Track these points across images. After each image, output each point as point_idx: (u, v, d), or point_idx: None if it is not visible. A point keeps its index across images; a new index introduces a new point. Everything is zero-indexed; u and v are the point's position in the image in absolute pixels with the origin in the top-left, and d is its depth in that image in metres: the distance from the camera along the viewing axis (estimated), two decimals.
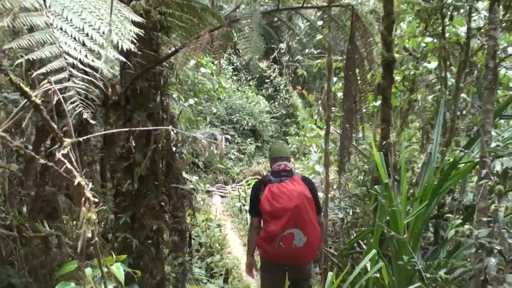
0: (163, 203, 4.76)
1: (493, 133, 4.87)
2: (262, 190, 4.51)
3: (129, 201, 4.57)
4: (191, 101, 11.54)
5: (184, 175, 6.14)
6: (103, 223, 6.69)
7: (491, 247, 3.63)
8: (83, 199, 1.26)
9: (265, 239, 4.48)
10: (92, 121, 1.75)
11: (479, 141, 4.77)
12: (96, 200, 1.31)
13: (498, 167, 4.35)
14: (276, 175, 4.57)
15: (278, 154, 4.78)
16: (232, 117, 20.82)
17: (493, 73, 4.16)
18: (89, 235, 1.33)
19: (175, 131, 2.09)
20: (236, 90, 22.49)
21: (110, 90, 4.66)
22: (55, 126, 1.38)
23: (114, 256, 2.12)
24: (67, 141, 1.26)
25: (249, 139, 20.79)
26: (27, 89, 1.23)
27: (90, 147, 6.79)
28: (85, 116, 1.64)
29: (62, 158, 1.21)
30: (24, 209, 5.46)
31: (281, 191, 4.39)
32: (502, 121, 7.37)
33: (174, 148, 4.83)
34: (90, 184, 1.30)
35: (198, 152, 15.81)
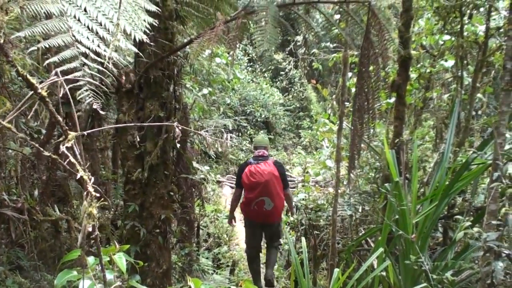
0: (172, 193, 4.78)
1: (507, 135, 4.81)
2: (244, 169, 6.27)
3: (139, 189, 4.59)
4: (205, 91, 11.51)
5: (195, 164, 6.15)
6: (112, 209, 6.73)
7: (500, 251, 3.60)
8: (84, 193, 1.26)
9: (245, 204, 6.36)
10: (102, 112, 1.74)
11: (493, 143, 4.71)
12: (98, 194, 1.31)
13: (510, 170, 4.30)
14: (255, 159, 6.36)
15: (258, 144, 6.60)
16: (246, 108, 20.74)
17: (510, 74, 4.10)
18: (90, 229, 1.33)
19: (180, 128, 2.07)
20: (251, 81, 22.35)
21: (123, 77, 4.66)
22: (60, 119, 1.38)
23: (117, 245, 2.13)
24: (72, 134, 1.26)
25: (261, 131, 20.71)
26: (33, 81, 1.23)
27: (102, 133, 6.81)
28: (95, 106, 1.63)
29: (66, 151, 1.20)
30: (36, 192, 5.50)
31: (256, 170, 6.14)
32: None
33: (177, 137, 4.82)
34: (93, 178, 1.30)
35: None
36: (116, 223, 5.92)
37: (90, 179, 1.29)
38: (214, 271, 7.91)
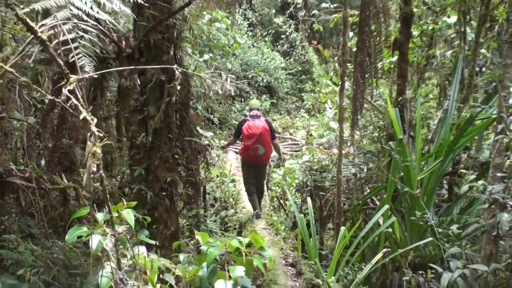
0: (177, 156, 4.79)
1: None
2: (243, 124, 8.17)
3: (143, 153, 4.61)
4: (206, 57, 11.42)
5: (199, 130, 6.14)
6: (119, 177, 6.77)
7: (505, 202, 3.62)
8: (88, 133, 1.26)
9: (244, 149, 8.24)
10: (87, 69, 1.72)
11: (497, 96, 4.69)
12: (101, 134, 1.31)
13: None
14: (251, 117, 8.24)
15: (252, 106, 8.62)
16: (247, 73, 20.56)
17: None
18: (94, 169, 1.33)
19: (179, 70, 2.06)
20: (252, 46, 22.13)
21: (123, 42, 4.62)
22: (61, 62, 1.37)
23: (125, 202, 2.15)
24: (73, 77, 1.25)
25: (264, 96, 20.58)
26: (33, 24, 1.22)
27: (105, 102, 6.79)
28: (87, 69, 1.62)
29: (68, 94, 1.20)
30: (42, 162, 5.51)
31: (253, 125, 8.07)
32: None
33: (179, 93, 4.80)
34: (95, 119, 1.29)
35: (213, 109, 15.82)
36: (124, 190, 5.95)
37: (93, 120, 1.29)
38: (222, 233, 8.00)
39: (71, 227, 2.19)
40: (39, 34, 1.24)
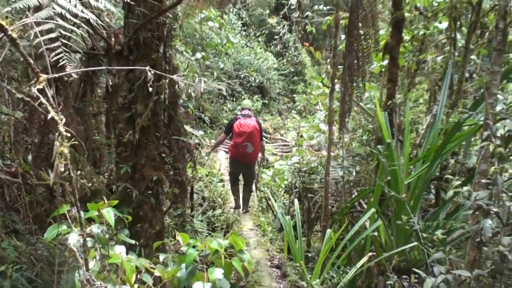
0: (163, 155, 4.77)
1: (499, 96, 4.81)
2: (234, 122, 8.34)
3: (130, 151, 4.58)
4: (199, 55, 11.42)
5: (189, 129, 6.12)
6: (107, 174, 6.74)
7: (488, 209, 3.63)
8: (56, 133, 1.25)
9: (233, 146, 8.42)
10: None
11: (485, 103, 4.71)
12: (69, 134, 1.30)
13: (501, 130, 4.31)
14: (242, 116, 8.41)
15: (244, 106, 8.80)
16: (240, 73, 20.52)
17: (502, 34, 4.08)
18: (62, 169, 1.32)
19: (152, 72, 2.05)
20: (245, 46, 22.10)
21: (113, 39, 4.60)
22: (31, 61, 1.35)
23: (105, 200, 2.13)
24: (43, 76, 1.24)
25: (256, 96, 20.55)
26: (3, 22, 1.21)
27: (95, 98, 6.76)
28: (68, 69, 1.60)
29: (37, 93, 1.19)
30: (29, 157, 5.48)
31: (244, 123, 8.23)
32: (511, 84, 7.28)
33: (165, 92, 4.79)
34: (64, 119, 1.28)
35: (204, 108, 15.78)
36: (112, 187, 5.92)
37: (61, 120, 1.28)
38: (209, 233, 7.97)
39: (52, 218, 2.18)
40: (9, 32, 1.23)
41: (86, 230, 1.82)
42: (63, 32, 1.77)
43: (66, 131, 1.35)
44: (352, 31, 4.21)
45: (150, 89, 3.52)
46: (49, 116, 1.27)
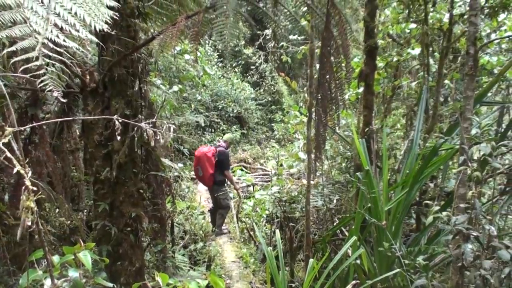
0: (142, 191, 4.72)
1: (474, 120, 4.87)
2: None
3: (108, 188, 4.53)
4: (175, 88, 11.43)
5: (168, 162, 6.09)
6: (85, 210, 6.64)
7: (468, 233, 3.65)
8: (23, 188, 1.22)
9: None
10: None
11: (460, 128, 4.77)
12: (35, 188, 1.27)
13: (476, 154, 4.36)
14: (214, 144, 9.68)
15: (224, 138, 10.24)
16: (217, 104, 20.60)
17: (473, 59, 4.15)
18: (29, 223, 1.30)
19: (120, 120, 2.04)
20: (221, 77, 22.23)
21: (88, 77, 4.59)
22: None
23: (82, 243, 2.09)
24: (8, 129, 1.22)
25: (234, 126, 20.60)
26: None
27: (72, 135, 6.70)
28: (55, 94, 1.58)
29: (2, 147, 1.17)
30: (6, 197, 5.39)
31: (199, 149, 9.55)
32: (484, 108, 7.40)
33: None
34: (30, 172, 1.26)
35: (183, 140, 15.74)
36: (91, 224, 5.84)
37: (27, 174, 1.26)
38: (191, 267, 7.85)
39: (26, 269, 2.12)
40: None
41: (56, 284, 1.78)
42: (46, 68, 1.76)
43: (44, 166, 1.32)
44: (323, 64, 4.25)
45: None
46: (15, 170, 1.25)
